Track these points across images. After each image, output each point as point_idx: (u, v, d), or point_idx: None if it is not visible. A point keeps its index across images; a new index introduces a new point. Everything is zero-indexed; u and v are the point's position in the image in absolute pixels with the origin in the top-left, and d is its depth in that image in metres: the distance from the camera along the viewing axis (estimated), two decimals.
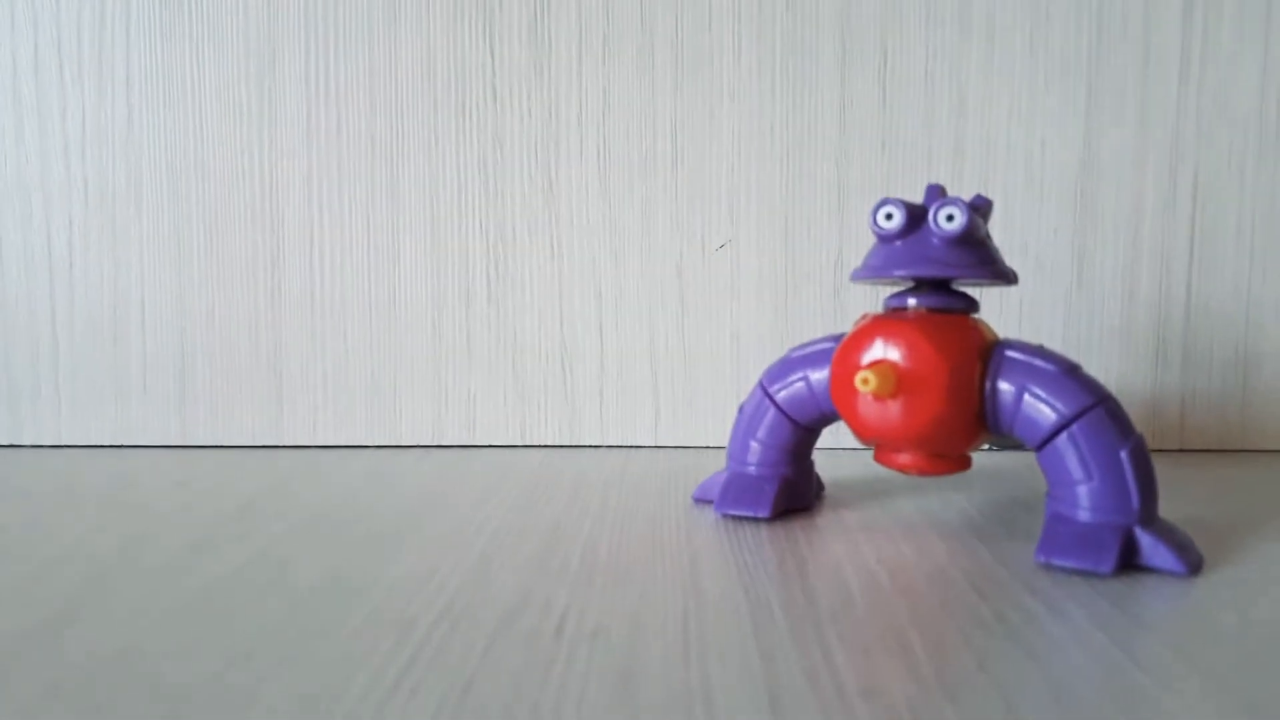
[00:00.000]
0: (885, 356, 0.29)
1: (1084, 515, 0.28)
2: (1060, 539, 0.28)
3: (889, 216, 0.30)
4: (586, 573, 0.27)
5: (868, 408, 0.30)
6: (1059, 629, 0.23)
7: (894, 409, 0.29)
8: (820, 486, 0.37)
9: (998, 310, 0.48)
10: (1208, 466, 0.44)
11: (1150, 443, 0.48)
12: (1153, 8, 0.46)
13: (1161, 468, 0.41)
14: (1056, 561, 0.27)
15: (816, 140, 0.47)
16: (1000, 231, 0.47)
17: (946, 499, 0.36)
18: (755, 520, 0.33)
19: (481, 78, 0.47)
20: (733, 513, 0.33)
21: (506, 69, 0.47)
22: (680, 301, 0.48)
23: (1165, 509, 0.34)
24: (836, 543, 0.31)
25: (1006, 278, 0.31)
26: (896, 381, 0.29)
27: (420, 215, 0.48)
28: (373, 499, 0.37)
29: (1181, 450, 0.48)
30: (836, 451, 0.47)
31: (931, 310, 0.31)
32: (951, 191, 0.47)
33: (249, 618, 0.24)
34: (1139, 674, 0.20)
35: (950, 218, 0.29)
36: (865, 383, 0.28)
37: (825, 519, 0.34)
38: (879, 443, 0.31)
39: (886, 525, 0.33)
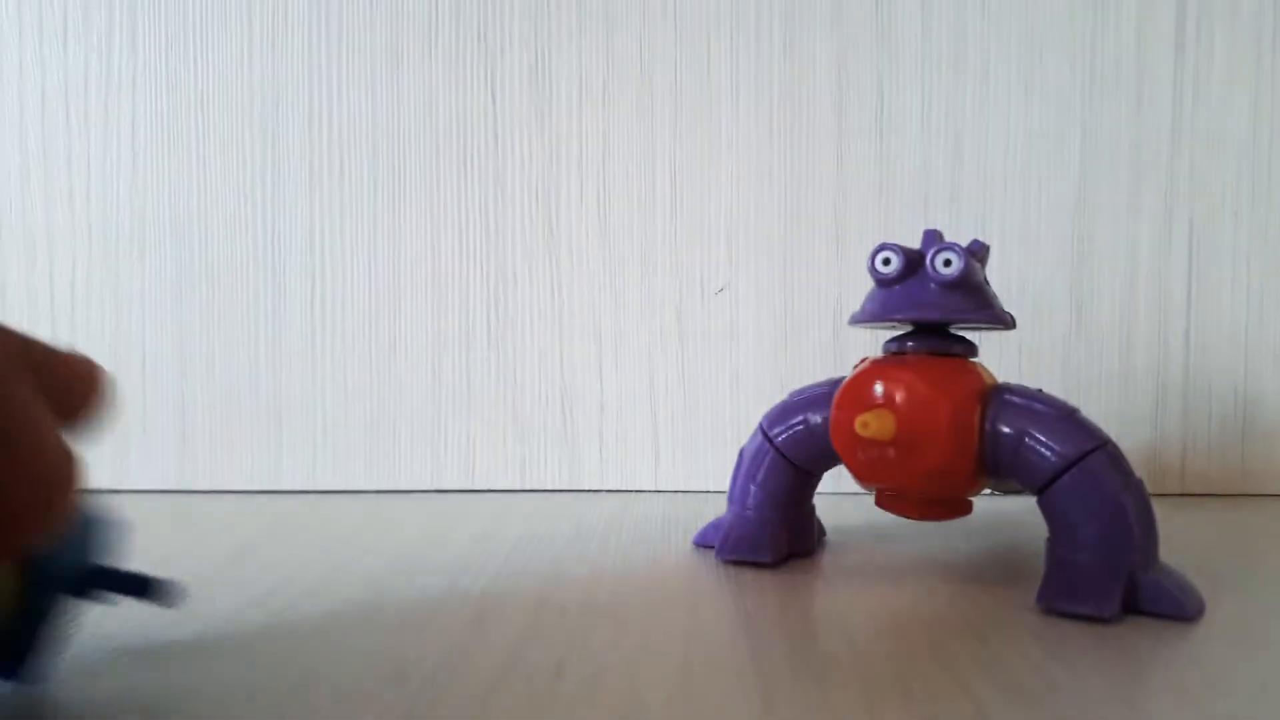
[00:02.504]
0: (885, 400, 0.29)
1: (1085, 559, 0.27)
2: (1060, 583, 0.27)
3: (886, 261, 0.31)
4: (586, 617, 0.27)
5: (868, 452, 0.30)
6: (1061, 674, 0.23)
7: (894, 453, 0.29)
8: (821, 531, 0.37)
9: (997, 354, 0.48)
10: (1209, 511, 0.44)
11: (1151, 488, 0.47)
12: (1145, 50, 0.47)
13: (1163, 513, 0.41)
14: (1057, 606, 0.27)
15: (814, 184, 0.48)
16: (997, 275, 0.48)
17: (948, 544, 0.36)
18: (756, 564, 0.33)
19: (483, 123, 0.48)
20: (734, 559, 0.33)
21: (507, 114, 0.48)
22: (680, 344, 0.48)
23: (1168, 554, 0.34)
24: (838, 588, 0.30)
25: (1004, 322, 0.31)
26: (896, 425, 0.29)
27: (421, 258, 0.48)
28: (371, 543, 0.37)
29: (1183, 495, 0.48)
30: (838, 497, 0.47)
31: (931, 353, 0.31)
32: (949, 235, 0.47)
33: (245, 663, 0.23)
34: (1139, 716, 0.20)
35: (948, 262, 0.30)
36: (865, 426, 0.28)
37: (827, 564, 0.34)
38: (879, 488, 0.31)
39: (888, 570, 0.33)
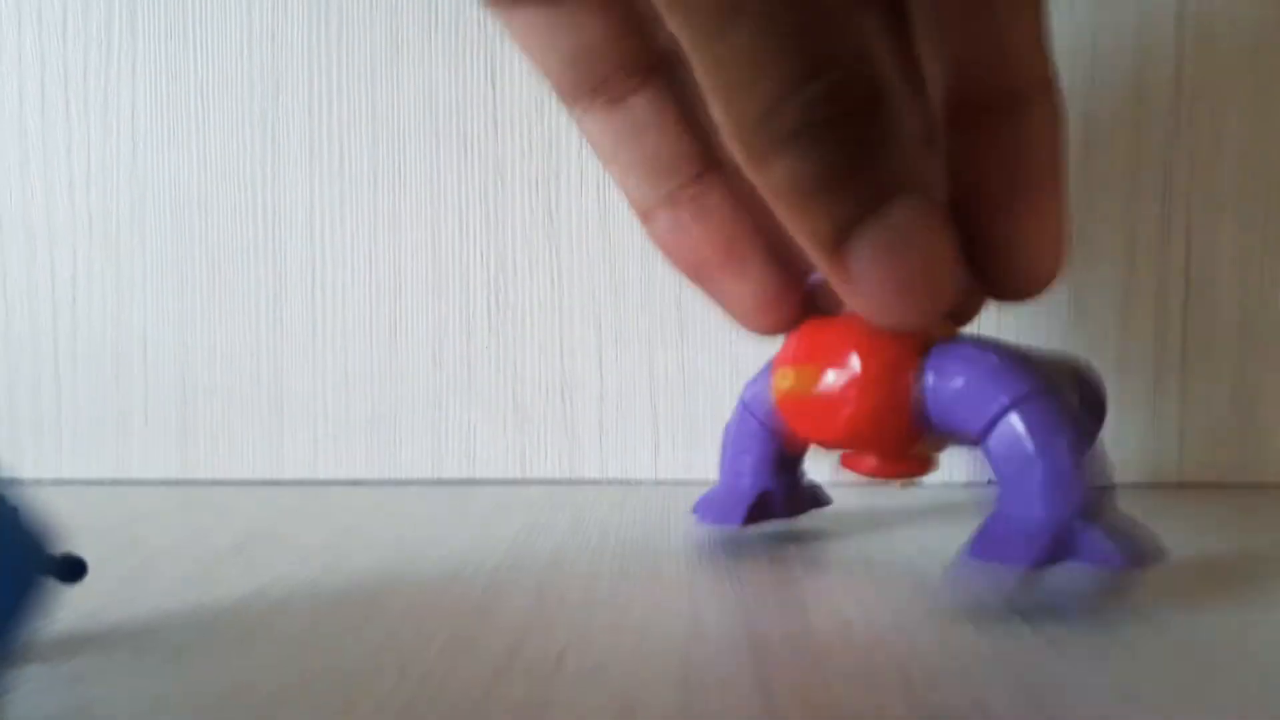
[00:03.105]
0: (811, 354, 0.29)
1: (1016, 509, 0.26)
2: (988, 535, 0.26)
3: None
4: (587, 607, 0.27)
5: (792, 407, 0.30)
6: (1057, 664, 0.23)
7: (820, 408, 0.29)
8: (826, 500, 0.37)
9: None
10: (1208, 500, 0.44)
11: (1150, 477, 0.48)
12: (1145, 35, 0.47)
13: (1161, 502, 0.41)
14: (978, 555, 0.26)
15: None
16: None
17: (948, 534, 0.36)
18: (755, 554, 0.33)
19: (483, 110, 0.48)
20: (707, 523, 0.34)
21: (508, 102, 0.48)
22: (680, 333, 0.48)
23: (1165, 543, 0.34)
24: (839, 578, 0.31)
25: None
26: (818, 378, 0.28)
27: (421, 247, 0.48)
28: (371, 533, 0.37)
29: (1181, 484, 0.48)
30: (840, 488, 0.47)
31: None
32: None
33: (247, 653, 0.24)
34: (1139, 711, 0.20)
35: None
36: (784, 379, 0.28)
37: (827, 553, 0.34)
38: (822, 444, 0.31)
39: (888, 559, 0.33)
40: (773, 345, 0.48)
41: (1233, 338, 0.48)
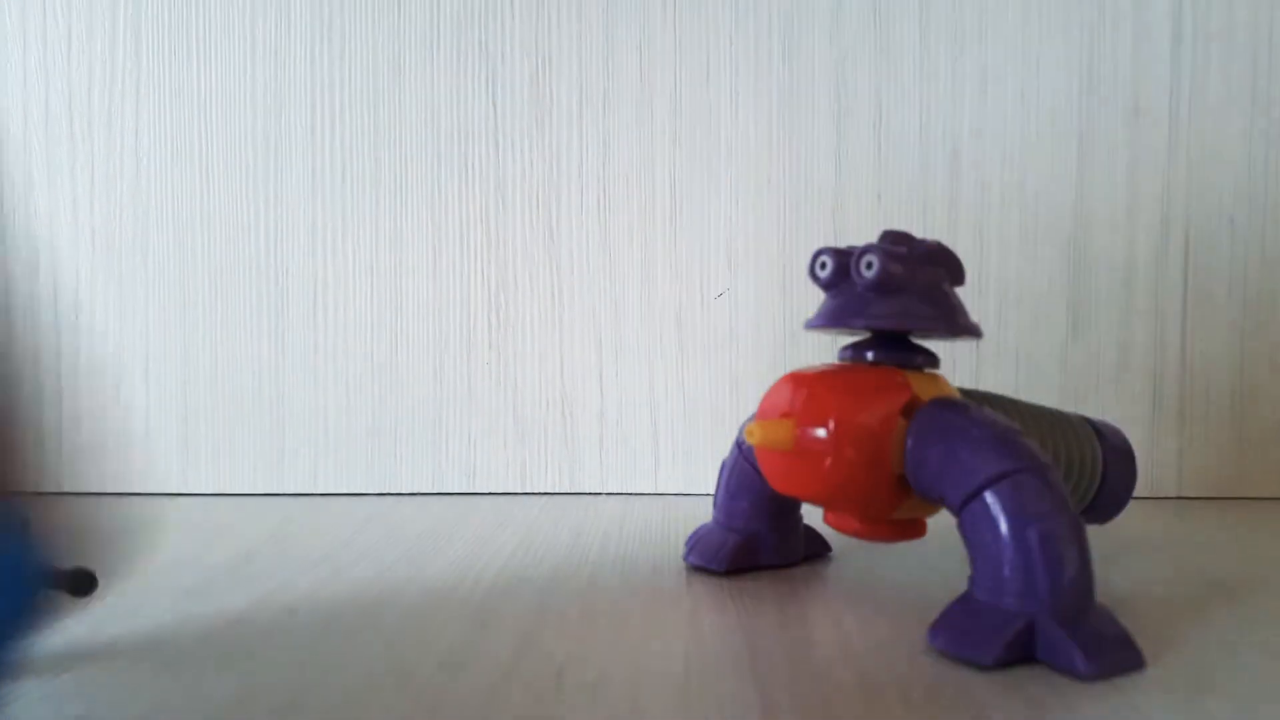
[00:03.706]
0: (789, 408, 0.28)
1: (985, 595, 0.24)
2: (950, 619, 0.25)
3: (823, 265, 0.30)
4: (586, 621, 0.27)
5: (769, 461, 0.29)
6: (1060, 681, 0.23)
7: (795, 464, 0.28)
8: (826, 546, 0.36)
9: (994, 361, 0.48)
10: (1206, 515, 0.44)
11: (1148, 490, 0.48)
12: (1140, 59, 0.47)
13: (1160, 516, 0.41)
14: (937, 644, 0.25)
15: (813, 191, 0.48)
16: (995, 283, 0.48)
17: (950, 557, 0.36)
18: (756, 571, 0.33)
19: (484, 130, 0.48)
20: (692, 563, 0.33)
21: (509, 121, 0.48)
22: (679, 349, 0.48)
23: (1165, 558, 0.34)
24: (837, 596, 0.31)
25: (939, 328, 0.28)
26: (795, 435, 0.27)
27: (423, 264, 0.48)
28: (372, 547, 0.37)
29: (1180, 498, 0.48)
30: None
31: (874, 363, 0.29)
32: (948, 243, 0.47)
33: (247, 666, 0.24)
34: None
35: (869, 265, 0.28)
36: (751, 435, 0.27)
37: (826, 573, 0.34)
38: (800, 500, 0.30)
39: (891, 582, 0.33)
40: (772, 364, 0.49)
41: (1231, 354, 0.48)
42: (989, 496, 0.24)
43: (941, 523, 0.31)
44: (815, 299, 0.48)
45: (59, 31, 0.48)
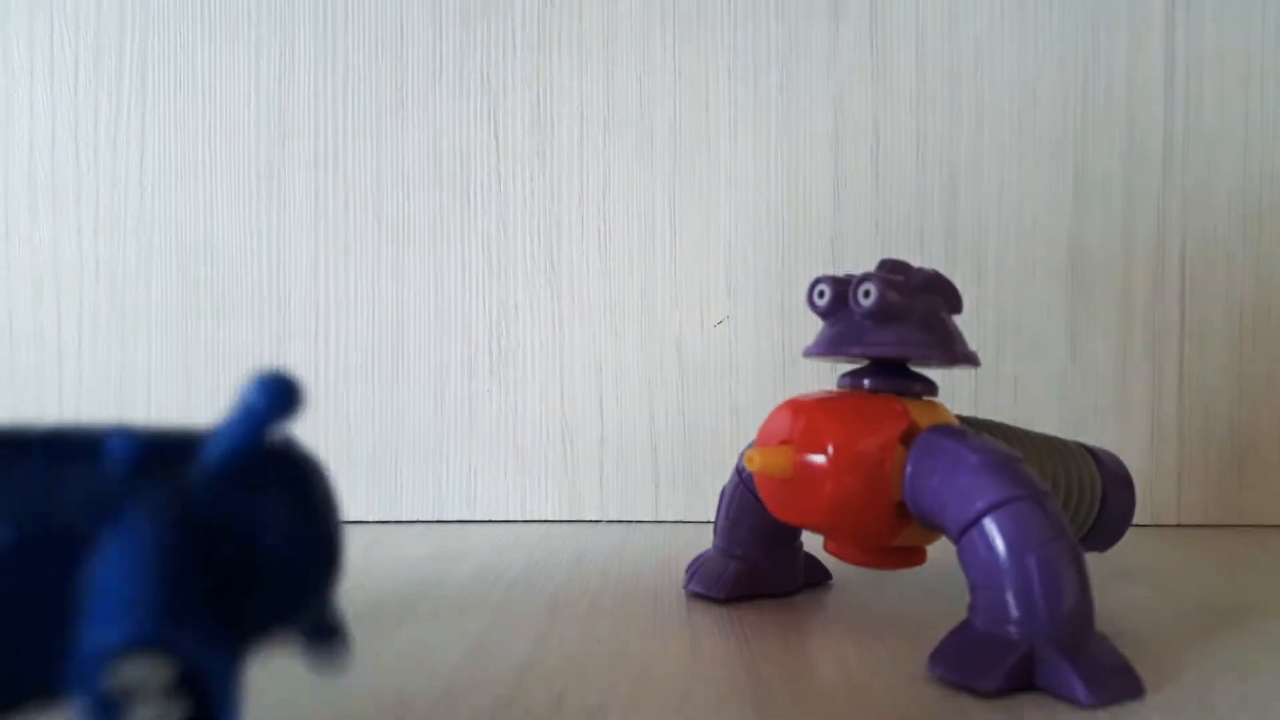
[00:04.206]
0: (788, 436, 0.28)
1: (985, 623, 0.24)
2: (950, 647, 0.25)
3: (821, 294, 0.30)
4: (587, 649, 0.27)
5: (768, 488, 0.29)
6: (1062, 711, 0.23)
7: (795, 491, 0.28)
8: (826, 574, 0.36)
9: (992, 389, 0.48)
10: (1205, 543, 0.44)
11: (1147, 519, 0.48)
12: (1136, 90, 0.48)
13: (1158, 544, 0.41)
14: (937, 672, 0.25)
15: (811, 220, 0.48)
16: (993, 311, 0.48)
17: (954, 590, 0.36)
18: (756, 599, 0.33)
19: (486, 161, 0.49)
20: (692, 589, 0.33)
21: (510, 152, 0.49)
22: (680, 376, 0.49)
23: (1164, 585, 0.34)
24: (838, 622, 0.31)
25: (936, 357, 0.29)
26: (794, 463, 0.27)
27: (425, 293, 0.49)
28: (371, 574, 0.37)
29: (1179, 526, 0.48)
30: None
31: (873, 390, 0.30)
32: (946, 271, 0.48)
33: (245, 695, 0.24)
34: None
35: (866, 294, 0.28)
36: (750, 461, 0.27)
37: (827, 600, 0.34)
38: (800, 527, 0.30)
39: (891, 610, 0.33)
40: (771, 391, 0.49)
41: (1230, 382, 0.48)
42: (988, 524, 0.24)
43: (941, 550, 0.31)
44: (814, 327, 0.48)
45: (66, 62, 0.48)
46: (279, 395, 0.16)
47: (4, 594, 0.14)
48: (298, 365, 0.49)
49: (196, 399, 0.49)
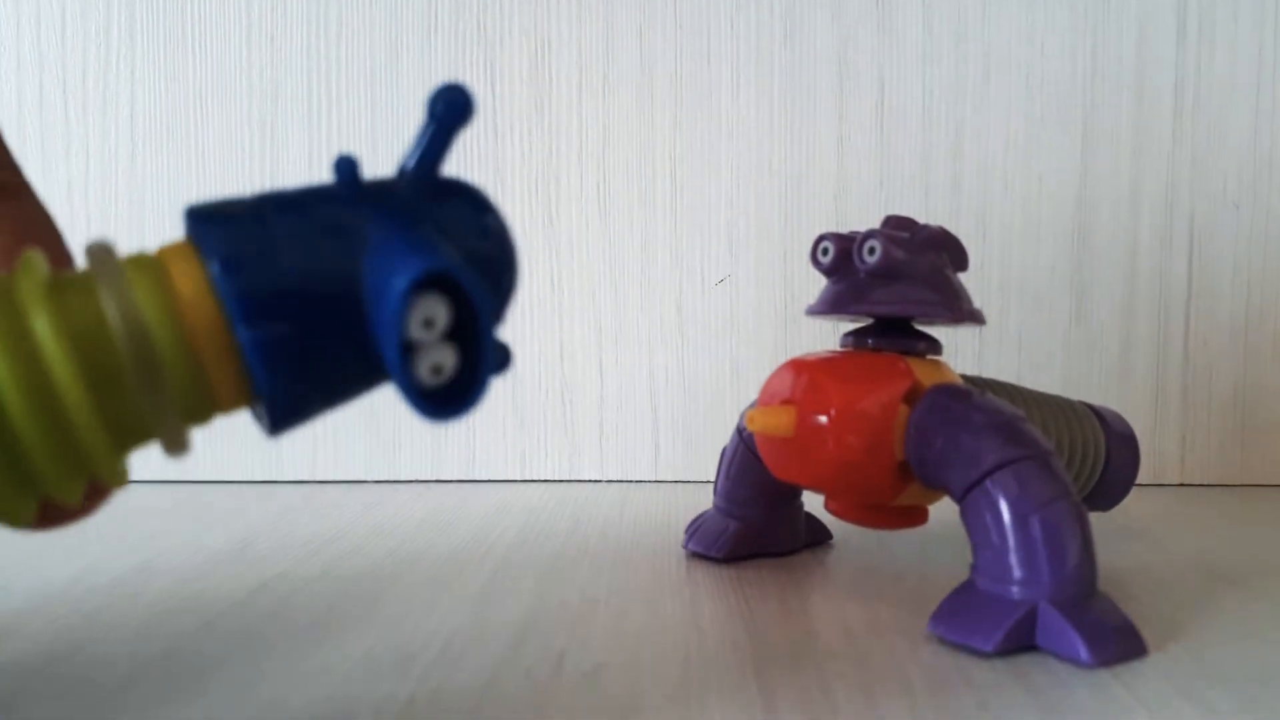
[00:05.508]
0: (789, 395, 0.28)
1: (987, 583, 0.24)
2: (952, 606, 0.25)
3: (825, 251, 0.29)
4: (586, 609, 0.27)
5: (769, 448, 0.29)
6: (1062, 668, 0.23)
7: (796, 451, 0.27)
8: (826, 534, 0.36)
9: (996, 348, 0.48)
10: (1209, 502, 0.44)
11: (1150, 478, 0.48)
12: (1146, 43, 0.47)
13: (1162, 503, 0.41)
14: (938, 631, 0.24)
15: (815, 176, 0.48)
16: (998, 268, 0.48)
17: (952, 545, 0.36)
18: (757, 558, 0.33)
19: (483, 114, 0.48)
20: (691, 549, 0.33)
21: (507, 106, 0.48)
22: (680, 335, 0.48)
23: (1167, 545, 0.34)
24: (838, 582, 0.31)
25: (942, 315, 0.28)
26: (796, 422, 0.27)
27: None
28: (371, 534, 0.37)
29: (1182, 485, 0.48)
30: None
31: (876, 349, 0.29)
32: (951, 227, 0.47)
33: (247, 654, 0.23)
34: (1138, 709, 0.20)
35: (871, 250, 0.28)
36: (751, 421, 0.27)
37: (827, 560, 0.34)
38: (800, 487, 0.30)
39: (891, 569, 0.33)
40: (773, 350, 0.49)
41: (1235, 341, 0.48)
42: (991, 484, 0.24)
43: (943, 510, 0.31)
44: (817, 285, 0.47)
45: (53, 15, 0.47)
46: (460, 101, 0.18)
47: (332, 297, 0.16)
48: None
49: None
